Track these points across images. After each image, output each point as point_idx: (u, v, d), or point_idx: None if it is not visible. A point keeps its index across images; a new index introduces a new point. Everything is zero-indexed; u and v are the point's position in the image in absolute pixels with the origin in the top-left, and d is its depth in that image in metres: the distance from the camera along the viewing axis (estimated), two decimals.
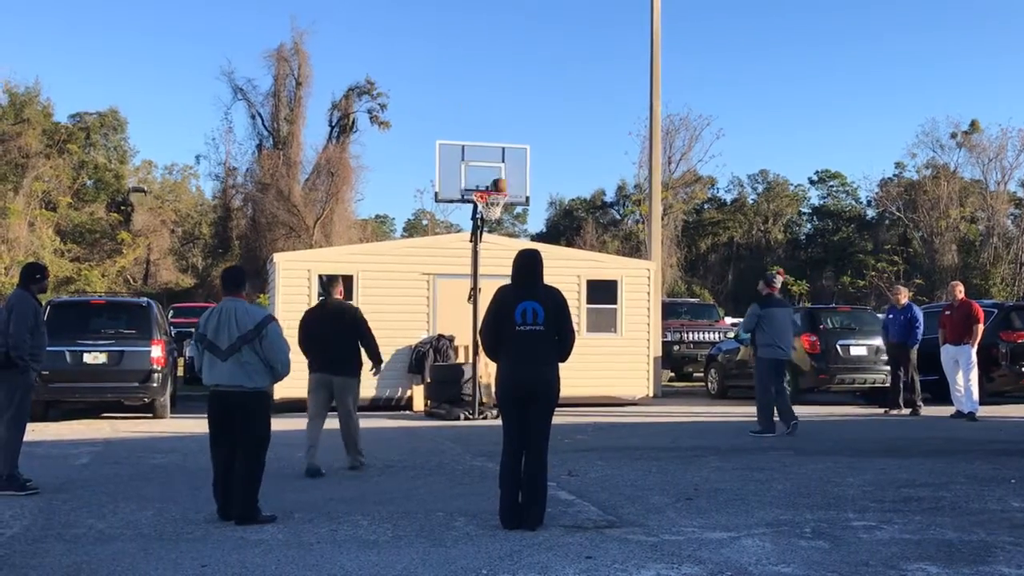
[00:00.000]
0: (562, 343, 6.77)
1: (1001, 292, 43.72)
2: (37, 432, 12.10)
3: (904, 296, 16.23)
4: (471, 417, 14.89)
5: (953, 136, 52.39)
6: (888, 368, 16.93)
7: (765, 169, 64.46)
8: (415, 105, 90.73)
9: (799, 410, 16.61)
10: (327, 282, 9.87)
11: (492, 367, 15.39)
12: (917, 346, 15.70)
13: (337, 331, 9.46)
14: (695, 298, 36.98)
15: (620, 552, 5.88)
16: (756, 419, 12.67)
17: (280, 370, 7.04)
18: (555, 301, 6.77)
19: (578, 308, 17.12)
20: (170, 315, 26.40)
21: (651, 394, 18.36)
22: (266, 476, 7.20)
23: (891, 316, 16.13)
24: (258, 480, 7.02)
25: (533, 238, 61.32)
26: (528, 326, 6.65)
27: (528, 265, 6.87)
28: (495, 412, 14.86)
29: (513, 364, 6.71)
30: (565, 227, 60.70)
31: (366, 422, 14.60)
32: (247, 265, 45.50)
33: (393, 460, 10.14)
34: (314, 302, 16.83)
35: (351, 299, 16.98)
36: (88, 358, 14.67)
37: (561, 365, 6.84)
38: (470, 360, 15.59)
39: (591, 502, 7.56)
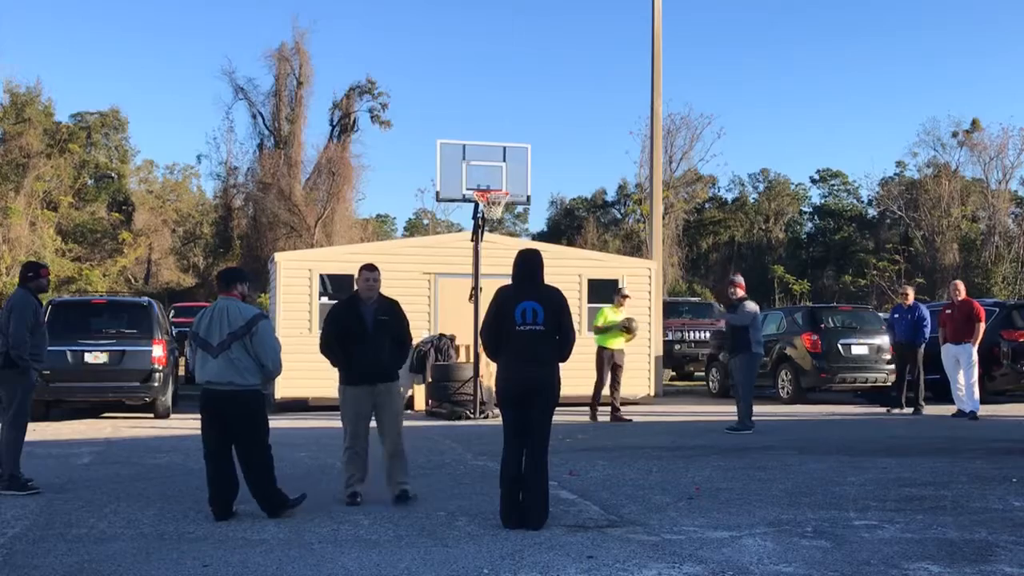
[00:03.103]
0: (562, 343, 6.78)
1: (1003, 291, 43.68)
2: (38, 432, 12.11)
3: (911, 296, 16.28)
4: (472, 417, 14.89)
5: (954, 135, 52.36)
6: (889, 367, 16.93)
7: (766, 168, 64.49)
8: (416, 104, 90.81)
9: (801, 409, 16.69)
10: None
11: (493, 367, 15.43)
12: (924, 345, 15.71)
13: None
14: (696, 297, 36.98)
15: (622, 551, 5.88)
16: (738, 417, 12.70)
17: (270, 368, 7.07)
18: (555, 301, 6.77)
19: (579, 307, 17.12)
20: (171, 315, 26.41)
21: (652, 393, 18.37)
22: None
23: (896, 316, 16.13)
24: (269, 472, 7.09)
25: (534, 237, 61.32)
26: (528, 326, 6.66)
27: (527, 265, 6.88)
28: (496, 412, 14.88)
29: (513, 364, 6.73)
30: (566, 226, 60.68)
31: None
32: (248, 265, 45.61)
33: None
34: (315, 301, 16.92)
35: None
36: (89, 358, 14.69)
37: (562, 364, 6.84)
38: (471, 360, 15.58)
39: (592, 501, 7.56)
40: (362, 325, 7.76)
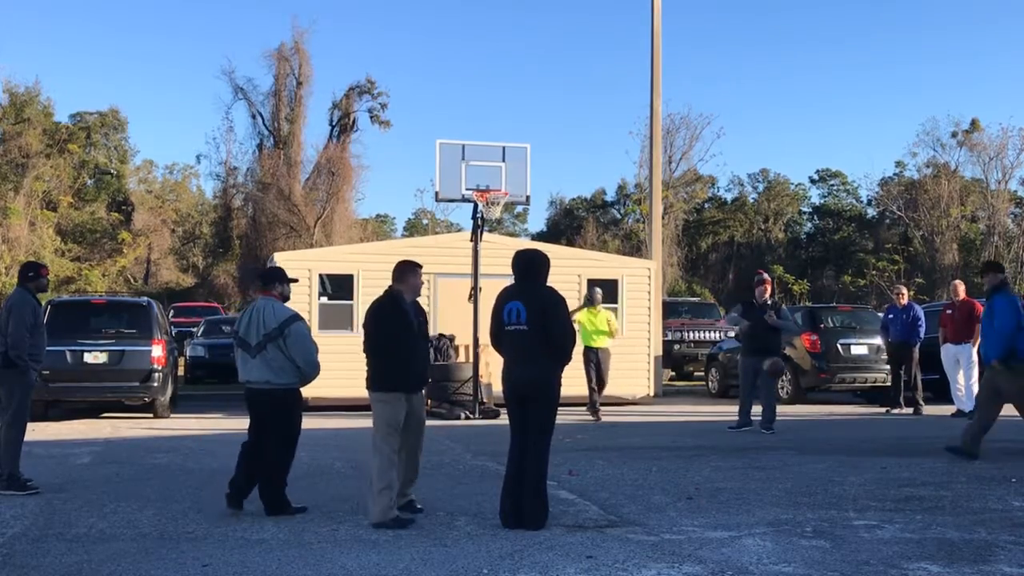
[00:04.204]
0: (552, 344, 6.67)
1: None
2: (38, 432, 12.11)
3: (905, 295, 16.36)
4: (472, 417, 14.89)
5: (954, 135, 52.30)
6: (888, 367, 16.93)
7: (765, 168, 64.32)
8: (416, 104, 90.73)
9: (801, 409, 16.69)
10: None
11: (492, 367, 15.43)
12: (919, 344, 15.72)
13: None
14: (696, 297, 37.00)
15: (621, 551, 5.88)
16: (762, 417, 12.68)
17: (306, 370, 7.15)
18: (540, 300, 6.74)
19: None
20: (170, 315, 26.46)
21: (652, 393, 18.36)
22: None
23: (891, 316, 16.16)
24: (282, 472, 7.18)
25: (534, 237, 61.26)
26: (513, 325, 6.74)
27: (519, 264, 6.92)
28: (495, 411, 14.89)
29: (506, 363, 6.86)
30: (566, 226, 60.62)
31: (367, 421, 14.62)
32: (248, 265, 45.65)
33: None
34: (315, 301, 16.90)
35: (351, 299, 16.97)
36: (89, 358, 14.69)
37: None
38: (471, 359, 15.58)
39: (592, 501, 7.56)
40: (410, 328, 7.06)
